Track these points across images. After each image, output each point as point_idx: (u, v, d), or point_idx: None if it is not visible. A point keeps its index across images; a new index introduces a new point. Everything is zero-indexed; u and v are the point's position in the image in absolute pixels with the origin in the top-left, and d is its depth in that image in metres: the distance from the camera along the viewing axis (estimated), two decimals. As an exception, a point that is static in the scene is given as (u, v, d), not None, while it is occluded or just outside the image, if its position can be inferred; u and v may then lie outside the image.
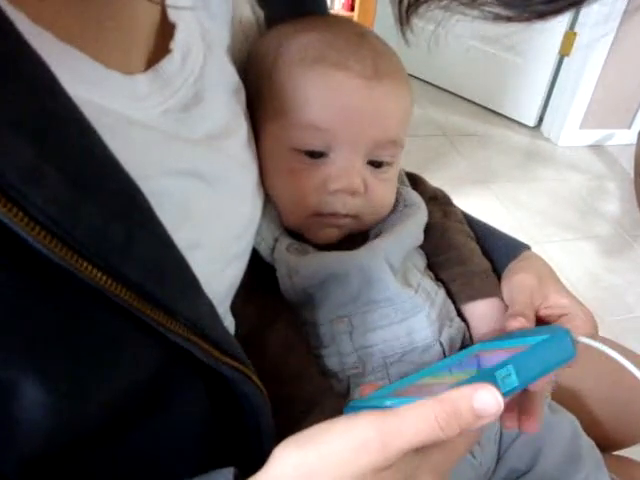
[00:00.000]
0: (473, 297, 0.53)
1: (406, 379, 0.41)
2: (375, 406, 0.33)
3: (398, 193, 0.56)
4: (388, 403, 0.32)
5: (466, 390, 0.29)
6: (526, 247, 0.57)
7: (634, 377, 0.36)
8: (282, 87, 0.47)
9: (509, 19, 0.26)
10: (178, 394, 0.35)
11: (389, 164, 0.51)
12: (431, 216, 0.57)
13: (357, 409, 0.35)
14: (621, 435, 0.67)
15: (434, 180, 0.65)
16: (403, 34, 0.29)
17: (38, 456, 0.28)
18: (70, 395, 0.27)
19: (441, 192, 0.63)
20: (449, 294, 0.55)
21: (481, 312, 0.53)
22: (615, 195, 2.25)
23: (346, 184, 0.48)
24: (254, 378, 0.37)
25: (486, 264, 0.55)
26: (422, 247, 0.56)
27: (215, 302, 0.34)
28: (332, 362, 0.49)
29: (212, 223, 0.39)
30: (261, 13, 0.54)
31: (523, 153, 2.43)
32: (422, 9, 0.27)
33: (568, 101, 2.41)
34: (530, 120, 2.56)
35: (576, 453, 0.54)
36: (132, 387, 0.30)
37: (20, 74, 0.24)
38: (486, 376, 0.31)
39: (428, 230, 0.56)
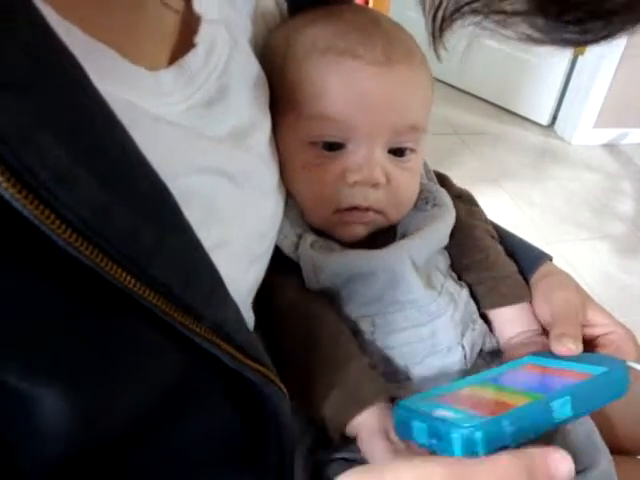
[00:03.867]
0: (500, 304, 0.52)
1: (449, 386, 0.41)
2: (426, 412, 0.34)
3: (428, 191, 0.55)
4: (440, 410, 0.33)
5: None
6: (548, 257, 0.57)
7: None
8: (293, 79, 0.47)
9: (541, 42, 0.25)
10: (202, 397, 0.34)
11: (412, 151, 0.50)
12: (456, 214, 0.55)
13: (407, 410, 0.36)
14: (636, 442, 0.67)
15: (446, 179, 0.64)
16: (435, 49, 0.29)
17: (62, 460, 0.27)
18: (95, 405, 0.26)
19: (466, 192, 0.62)
20: (472, 295, 0.54)
21: (507, 318, 0.52)
22: (629, 195, 2.23)
23: (366, 175, 0.47)
24: (275, 380, 0.36)
25: (512, 267, 0.54)
26: (446, 247, 0.55)
27: (237, 301, 0.34)
28: None
29: (237, 222, 0.39)
30: (284, 5, 0.53)
31: (536, 152, 2.41)
32: (456, 25, 0.26)
33: (582, 100, 2.38)
34: (544, 119, 2.54)
35: (593, 452, 0.53)
36: (158, 393, 0.30)
37: (53, 69, 0.24)
38: (542, 404, 0.32)
39: (453, 230, 0.54)
